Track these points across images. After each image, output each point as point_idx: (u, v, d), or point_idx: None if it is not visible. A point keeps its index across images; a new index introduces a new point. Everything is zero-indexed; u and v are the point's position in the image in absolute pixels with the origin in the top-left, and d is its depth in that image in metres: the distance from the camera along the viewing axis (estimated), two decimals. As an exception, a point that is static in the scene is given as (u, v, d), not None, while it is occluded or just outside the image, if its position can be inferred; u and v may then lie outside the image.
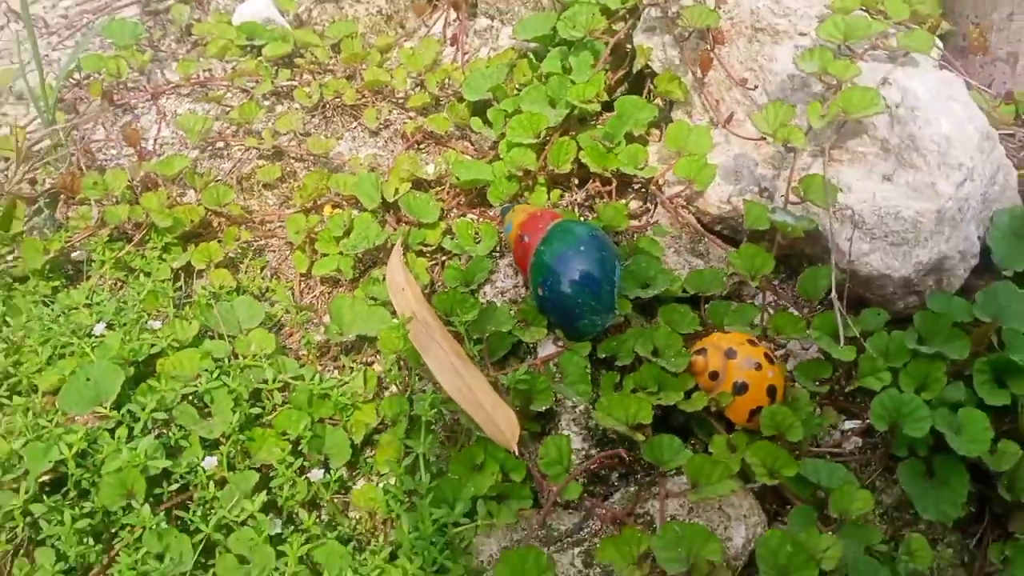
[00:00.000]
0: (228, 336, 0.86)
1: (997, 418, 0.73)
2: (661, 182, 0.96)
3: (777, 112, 0.85)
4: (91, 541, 0.70)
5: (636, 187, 1.00)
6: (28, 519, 0.72)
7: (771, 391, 0.75)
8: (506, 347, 0.80)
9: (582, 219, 0.88)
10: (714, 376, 0.75)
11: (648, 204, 0.98)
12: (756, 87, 0.91)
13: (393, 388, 0.83)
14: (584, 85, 0.95)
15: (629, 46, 1.04)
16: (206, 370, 0.80)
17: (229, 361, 0.82)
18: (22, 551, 0.73)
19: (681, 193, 0.95)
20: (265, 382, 0.80)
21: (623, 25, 1.04)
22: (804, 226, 0.81)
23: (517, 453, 0.70)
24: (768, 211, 0.83)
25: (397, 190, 0.98)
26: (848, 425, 0.80)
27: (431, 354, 0.76)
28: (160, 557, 0.69)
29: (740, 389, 0.74)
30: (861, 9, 0.89)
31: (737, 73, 0.93)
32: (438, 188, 1.01)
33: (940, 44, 0.96)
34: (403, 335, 0.79)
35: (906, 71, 0.84)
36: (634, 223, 0.97)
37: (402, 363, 0.81)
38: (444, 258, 0.95)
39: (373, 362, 0.86)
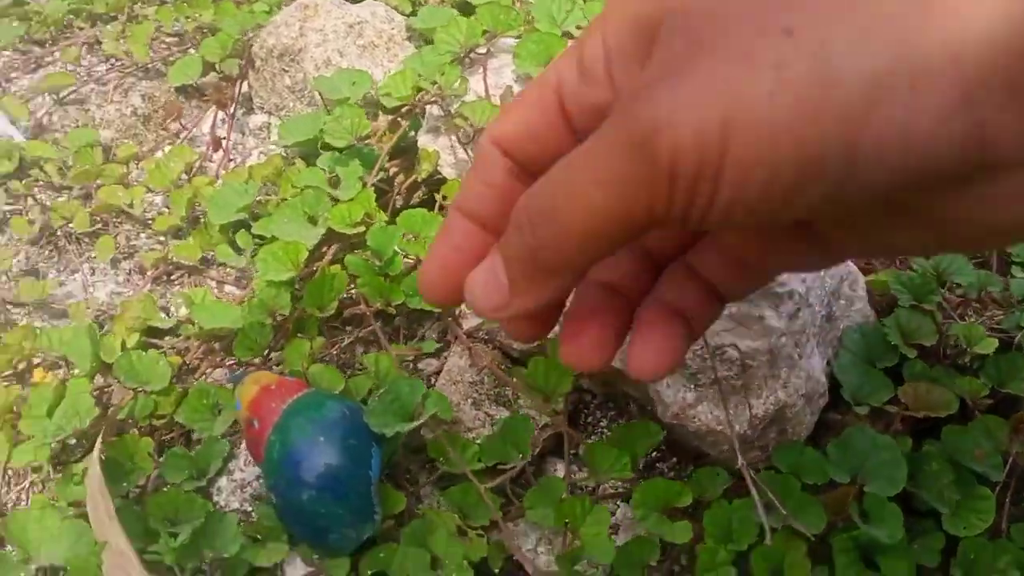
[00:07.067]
0: None
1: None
2: (459, 313, 0.79)
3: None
4: None
5: (436, 316, 0.83)
6: None
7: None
8: (243, 572, 0.60)
9: (334, 391, 0.68)
10: None
11: (451, 338, 0.81)
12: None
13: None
14: (349, 205, 0.77)
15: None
16: None
17: None
18: None
19: (481, 327, 0.77)
20: None
21: (406, 124, 0.87)
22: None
23: None
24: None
25: (124, 343, 0.77)
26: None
27: (125, 602, 0.56)
28: None
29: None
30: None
31: (534, 179, 0.78)
32: (179, 338, 0.80)
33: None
34: (98, 566, 0.58)
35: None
36: (434, 362, 0.80)
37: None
38: (184, 434, 0.74)
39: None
